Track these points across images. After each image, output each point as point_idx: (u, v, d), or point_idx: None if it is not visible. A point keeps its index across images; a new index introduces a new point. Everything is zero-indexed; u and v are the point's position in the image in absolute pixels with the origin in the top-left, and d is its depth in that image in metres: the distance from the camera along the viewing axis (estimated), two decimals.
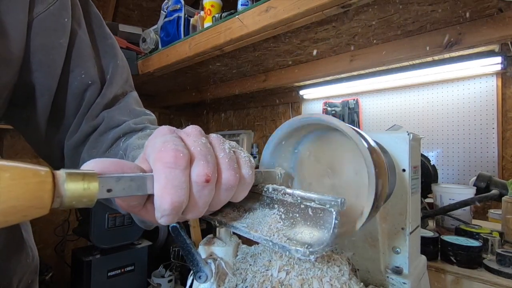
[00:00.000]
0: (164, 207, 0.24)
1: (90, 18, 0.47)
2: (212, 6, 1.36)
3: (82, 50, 0.43)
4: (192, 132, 0.27)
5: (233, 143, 0.30)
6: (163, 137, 0.26)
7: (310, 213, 0.28)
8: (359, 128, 2.07)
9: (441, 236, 0.92)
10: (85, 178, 0.20)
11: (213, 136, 0.29)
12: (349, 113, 2.11)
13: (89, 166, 0.23)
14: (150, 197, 0.26)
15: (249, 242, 0.38)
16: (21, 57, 0.38)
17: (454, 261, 0.86)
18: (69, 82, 0.42)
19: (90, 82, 0.43)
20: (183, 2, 1.52)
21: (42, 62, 0.40)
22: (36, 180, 0.18)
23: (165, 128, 0.27)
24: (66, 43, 0.41)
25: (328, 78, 1.91)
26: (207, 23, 1.35)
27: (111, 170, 0.23)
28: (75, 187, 0.20)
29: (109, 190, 0.22)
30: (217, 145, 0.28)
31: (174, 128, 0.28)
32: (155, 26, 1.66)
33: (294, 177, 0.44)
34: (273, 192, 0.31)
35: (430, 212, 1.09)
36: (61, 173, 0.20)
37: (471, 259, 0.84)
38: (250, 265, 0.39)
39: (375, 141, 0.43)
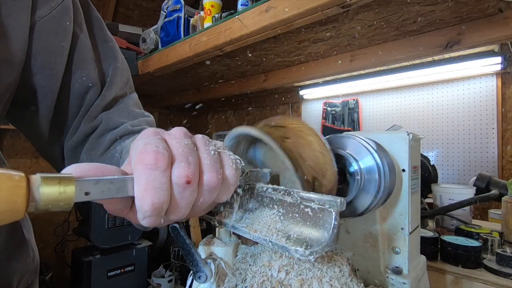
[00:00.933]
0: (145, 209, 0.24)
1: (91, 21, 0.47)
2: (212, 6, 1.36)
3: (83, 53, 0.44)
4: (176, 134, 0.28)
5: (220, 143, 0.30)
6: (146, 139, 0.26)
7: (310, 213, 0.28)
8: (359, 128, 2.07)
9: (441, 236, 0.92)
10: (62, 181, 0.20)
11: (199, 137, 0.29)
12: (349, 113, 2.11)
13: (68, 170, 0.23)
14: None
15: (249, 242, 0.38)
16: (23, 60, 0.39)
17: (454, 261, 0.86)
18: (71, 85, 0.43)
19: (90, 85, 0.44)
20: (183, 2, 1.52)
21: (45, 64, 0.40)
22: (9, 185, 0.18)
23: (150, 131, 0.28)
24: (68, 46, 0.42)
25: (328, 78, 1.91)
26: (207, 23, 1.35)
27: (90, 174, 0.23)
28: (51, 191, 0.20)
29: (87, 193, 0.22)
30: (201, 146, 0.28)
31: (160, 130, 0.28)
32: (155, 26, 1.66)
33: (279, 175, 0.44)
34: (272, 192, 0.31)
35: (430, 212, 1.09)
36: (37, 177, 0.20)
37: (471, 259, 0.84)
38: (250, 265, 0.39)
39: (375, 141, 0.43)
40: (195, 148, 0.27)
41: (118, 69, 0.48)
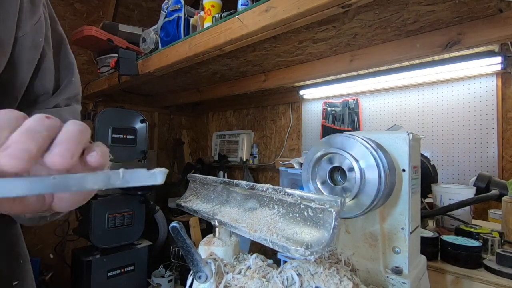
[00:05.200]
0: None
1: (56, 36, 0.53)
2: (212, 6, 1.36)
3: (46, 66, 0.49)
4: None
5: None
6: None
7: (310, 213, 0.28)
8: (359, 128, 2.07)
9: (441, 236, 0.92)
10: None
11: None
12: (349, 113, 2.11)
13: None
14: None
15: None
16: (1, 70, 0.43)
17: (454, 261, 0.86)
18: (29, 92, 0.48)
19: (42, 93, 0.48)
20: (183, 2, 1.52)
21: (18, 74, 0.45)
22: None
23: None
24: (37, 59, 0.47)
25: (328, 78, 1.91)
26: (207, 23, 1.35)
27: None
28: None
29: None
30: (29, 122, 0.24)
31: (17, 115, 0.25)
32: (155, 26, 1.66)
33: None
34: (273, 192, 0.31)
35: (430, 212, 1.09)
36: None
37: (471, 259, 0.84)
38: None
39: (375, 141, 0.43)
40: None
41: (71, 83, 0.53)
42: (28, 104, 0.47)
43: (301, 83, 2.11)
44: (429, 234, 0.92)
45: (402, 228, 0.46)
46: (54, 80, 0.50)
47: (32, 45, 0.45)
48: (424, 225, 1.11)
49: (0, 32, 0.40)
